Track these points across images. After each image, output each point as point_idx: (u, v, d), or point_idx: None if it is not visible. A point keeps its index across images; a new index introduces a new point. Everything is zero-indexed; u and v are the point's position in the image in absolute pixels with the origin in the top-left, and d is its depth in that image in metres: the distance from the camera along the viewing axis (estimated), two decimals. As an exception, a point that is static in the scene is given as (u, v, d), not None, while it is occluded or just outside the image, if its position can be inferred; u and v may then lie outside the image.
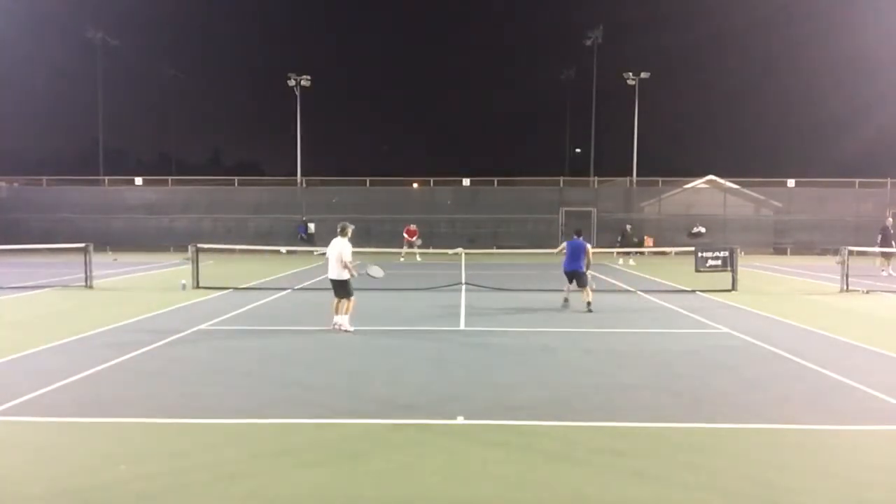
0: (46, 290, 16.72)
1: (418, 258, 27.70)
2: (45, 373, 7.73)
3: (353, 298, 10.79)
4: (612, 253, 27.60)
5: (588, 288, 13.63)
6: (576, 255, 13.68)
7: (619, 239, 28.17)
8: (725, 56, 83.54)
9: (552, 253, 27.42)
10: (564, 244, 14.27)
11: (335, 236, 11.00)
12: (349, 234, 10.89)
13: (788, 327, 11.40)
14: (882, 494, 4.59)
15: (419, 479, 4.83)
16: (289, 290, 16.82)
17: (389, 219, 33.23)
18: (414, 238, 27.88)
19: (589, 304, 13.39)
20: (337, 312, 10.70)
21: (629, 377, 7.80)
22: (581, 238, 13.96)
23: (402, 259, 27.31)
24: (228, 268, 23.03)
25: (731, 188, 36.24)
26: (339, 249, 10.59)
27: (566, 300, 13.88)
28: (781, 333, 10.71)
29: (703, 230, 33.79)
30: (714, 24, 78.13)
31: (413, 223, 28.78)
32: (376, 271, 11.64)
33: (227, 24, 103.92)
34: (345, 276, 10.62)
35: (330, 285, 10.88)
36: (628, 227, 29.45)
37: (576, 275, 13.68)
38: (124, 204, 36.50)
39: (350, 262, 10.63)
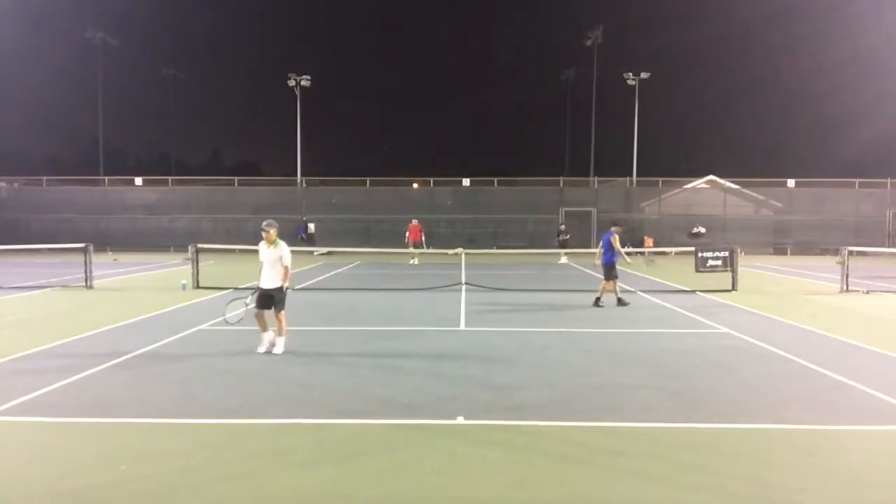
0: (46, 290, 16.72)
1: (414, 260, 26.19)
2: (45, 373, 7.73)
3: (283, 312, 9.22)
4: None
5: (609, 283, 13.85)
6: (605, 247, 14.02)
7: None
8: (725, 56, 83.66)
9: (552, 253, 27.60)
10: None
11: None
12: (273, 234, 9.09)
13: (788, 327, 11.40)
14: (882, 494, 4.59)
15: (419, 479, 4.83)
16: (289, 290, 16.79)
17: (389, 219, 33.24)
18: (419, 238, 26.43)
19: (598, 298, 13.78)
20: (267, 329, 9.17)
21: (629, 377, 7.80)
22: (612, 229, 14.21)
23: (413, 261, 25.94)
24: (228, 268, 23.04)
25: (731, 188, 36.25)
26: (281, 253, 9.06)
27: (620, 300, 13.98)
28: (781, 333, 10.71)
29: (703, 230, 33.83)
30: (714, 24, 78.19)
31: (416, 219, 27.49)
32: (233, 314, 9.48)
33: (227, 24, 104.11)
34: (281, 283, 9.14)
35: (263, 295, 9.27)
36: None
37: (603, 268, 13.97)
38: (124, 204, 36.51)
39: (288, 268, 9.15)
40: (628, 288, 17.68)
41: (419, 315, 12.71)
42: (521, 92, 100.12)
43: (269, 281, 9.10)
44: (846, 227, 33.99)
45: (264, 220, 9.25)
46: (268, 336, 9.11)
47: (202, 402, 6.76)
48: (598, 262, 14.26)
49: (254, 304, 9.26)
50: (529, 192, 36.95)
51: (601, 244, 14.30)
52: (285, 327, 9.18)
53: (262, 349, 9.04)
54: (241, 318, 9.27)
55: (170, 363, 8.47)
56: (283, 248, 9.08)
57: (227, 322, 9.20)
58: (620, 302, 13.85)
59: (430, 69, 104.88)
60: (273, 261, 9.05)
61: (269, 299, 9.09)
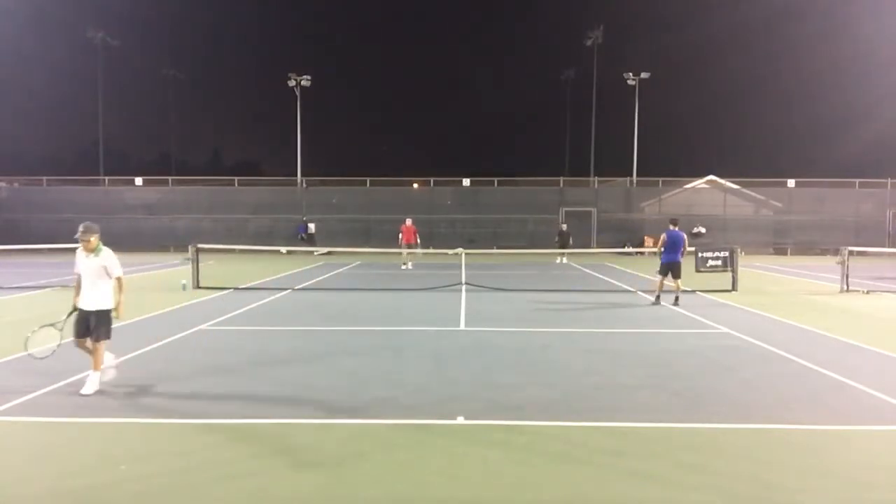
0: (46, 290, 16.72)
1: (409, 265, 23.93)
2: (45, 372, 7.72)
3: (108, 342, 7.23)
4: (615, 252, 27.68)
5: (678, 281, 14.17)
6: (676, 246, 14.10)
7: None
8: (725, 56, 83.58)
9: (547, 252, 27.64)
10: (664, 237, 14.40)
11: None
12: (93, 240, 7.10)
13: (788, 327, 11.40)
14: (882, 494, 4.59)
15: (419, 479, 4.83)
16: (289, 290, 16.82)
17: (389, 219, 33.22)
18: (413, 240, 23.87)
19: (677, 297, 14.08)
20: (98, 365, 7.13)
21: (629, 377, 7.80)
22: (678, 228, 14.35)
23: (404, 266, 23.60)
24: (228, 268, 23.03)
25: (731, 188, 36.27)
26: (105, 262, 7.10)
27: (658, 297, 14.27)
28: (781, 333, 10.71)
29: (703, 230, 33.85)
30: (714, 24, 78.12)
31: (409, 219, 24.52)
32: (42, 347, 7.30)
33: (228, 24, 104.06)
34: (106, 304, 7.15)
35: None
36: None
37: (674, 266, 14.09)
38: (124, 204, 36.53)
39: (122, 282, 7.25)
40: (628, 288, 17.69)
41: (419, 315, 12.71)
42: (521, 92, 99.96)
43: (91, 300, 7.08)
44: (846, 227, 34.01)
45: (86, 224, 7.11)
46: (106, 371, 7.21)
47: (202, 402, 6.76)
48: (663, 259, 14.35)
49: (71, 333, 7.15)
50: (529, 192, 36.96)
51: (665, 242, 14.25)
52: (102, 360, 7.14)
53: (88, 390, 6.94)
54: (53, 353, 7.26)
55: (170, 363, 8.47)
56: (108, 256, 7.14)
57: (34, 357, 7.14)
58: (658, 300, 14.28)
59: (431, 69, 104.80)
60: (94, 272, 7.06)
61: (89, 324, 7.06)
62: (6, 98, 61.37)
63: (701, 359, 8.84)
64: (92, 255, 7.09)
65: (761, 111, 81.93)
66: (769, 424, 6.04)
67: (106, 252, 7.17)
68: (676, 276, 14.16)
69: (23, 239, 28.62)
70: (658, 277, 14.51)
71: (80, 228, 7.08)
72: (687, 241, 14.37)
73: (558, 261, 27.38)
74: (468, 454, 5.28)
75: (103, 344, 7.14)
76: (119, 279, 7.21)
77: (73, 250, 7.33)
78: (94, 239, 7.10)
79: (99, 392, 7.02)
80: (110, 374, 7.31)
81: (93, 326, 7.04)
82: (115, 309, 7.19)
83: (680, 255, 14.18)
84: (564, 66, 62.47)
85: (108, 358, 7.34)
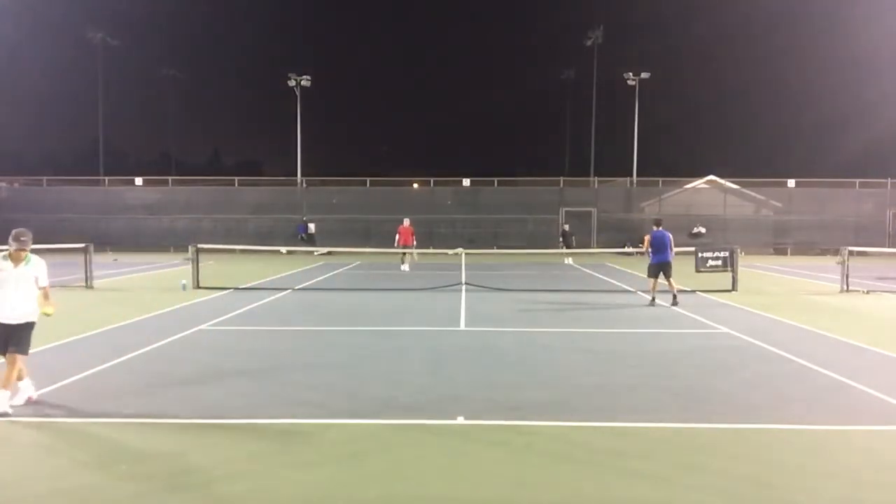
0: (46, 290, 16.69)
1: (407, 266, 23.28)
2: (45, 373, 7.71)
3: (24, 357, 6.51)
4: (613, 252, 27.72)
5: (672, 280, 14.08)
6: (663, 246, 14.04)
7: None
8: (725, 56, 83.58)
9: (553, 252, 27.63)
10: (649, 238, 14.41)
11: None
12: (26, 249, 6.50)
13: (788, 327, 11.40)
14: (882, 494, 4.59)
15: (419, 479, 4.83)
16: (289, 291, 16.83)
17: (389, 219, 33.22)
18: (410, 241, 23.06)
19: (675, 296, 13.97)
20: (7, 384, 6.30)
21: (629, 377, 7.80)
22: (663, 228, 14.37)
23: (404, 267, 23.07)
24: (228, 268, 23.04)
25: (731, 188, 36.26)
26: (37, 272, 6.56)
27: (654, 299, 14.21)
28: (781, 333, 10.71)
29: (703, 230, 33.84)
30: (714, 24, 78.17)
31: (407, 219, 23.76)
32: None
33: (227, 24, 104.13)
34: (33, 316, 6.52)
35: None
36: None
37: (664, 266, 14.02)
38: (124, 204, 36.53)
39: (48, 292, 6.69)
40: (628, 288, 17.69)
41: (419, 315, 12.71)
42: (521, 92, 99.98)
43: (17, 312, 6.41)
44: (846, 227, 33.99)
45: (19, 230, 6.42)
46: (18, 388, 6.53)
47: (202, 402, 6.76)
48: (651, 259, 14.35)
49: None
50: (529, 192, 36.97)
51: (651, 243, 14.27)
52: (25, 369, 6.55)
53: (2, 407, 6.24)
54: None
55: (170, 363, 8.47)
56: (41, 266, 6.63)
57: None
58: (653, 301, 14.23)
59: (431, 69, 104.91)
60: (24, 282, 6.47)
61: (10, 338, 6.38)
62: (6, 98, 61.45)
63: (701, 359, 8.84)
64: (22, 264, 6.50)
65: (761, 111, 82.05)
66: (769, 424, 6.04)
67: (37, 261, 6.64)
68: (668, 275, 14.11)
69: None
70: (650, 280, 14.41)
71: (19, 237, 6.40)
72: (673, 240, 14.30)
73: (568, 261, 27.43)
74: (468, 454, 5.28)
75: (22, 359, 6.45)
76: (45, 289, 6.64)
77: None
78: (28, 248, 6.57)
79: (99, 392, 7.03)
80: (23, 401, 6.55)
81: (14, 339, 6.37)
82: (49, 307, 6.63)
83: (670, 255, 14.11)
84: (564, 66, 62.57)
85: (28, 386, 6.63)
